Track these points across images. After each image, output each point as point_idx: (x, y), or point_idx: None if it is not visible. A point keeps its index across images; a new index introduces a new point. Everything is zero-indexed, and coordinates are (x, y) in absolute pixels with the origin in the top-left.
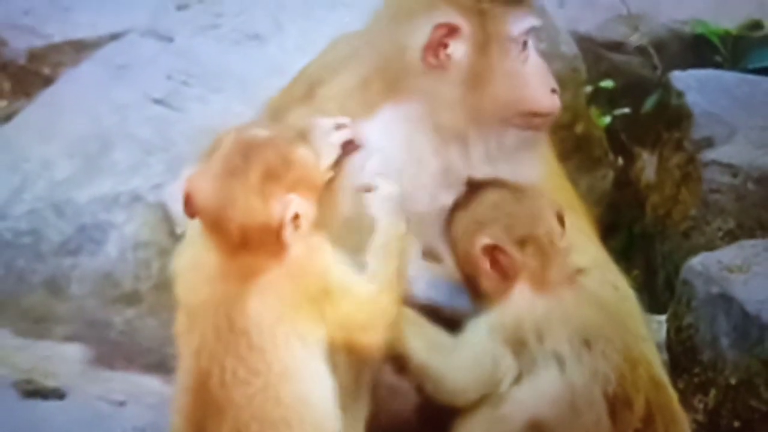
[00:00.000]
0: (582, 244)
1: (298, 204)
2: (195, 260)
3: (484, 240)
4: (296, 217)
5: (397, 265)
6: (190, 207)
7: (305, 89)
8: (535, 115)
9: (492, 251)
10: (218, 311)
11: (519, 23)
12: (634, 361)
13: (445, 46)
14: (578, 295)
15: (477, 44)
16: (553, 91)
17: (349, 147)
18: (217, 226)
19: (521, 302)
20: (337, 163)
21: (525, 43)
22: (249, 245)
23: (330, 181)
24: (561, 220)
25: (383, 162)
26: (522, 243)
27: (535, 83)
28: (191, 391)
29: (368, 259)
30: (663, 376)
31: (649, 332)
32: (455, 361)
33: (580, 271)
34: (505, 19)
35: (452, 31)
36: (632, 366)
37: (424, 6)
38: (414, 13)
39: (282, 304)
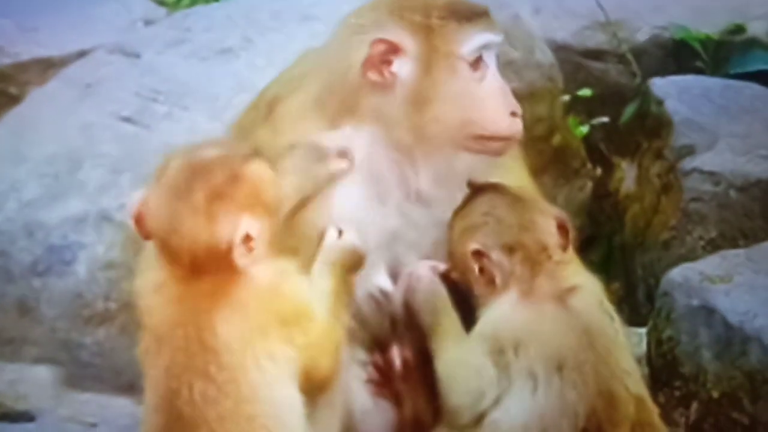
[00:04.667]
0: (579, 263)
1: (249, 224)
2: (156, 281)
3: (473, 245)
4: (248, 238)
5: (337, 294)
6: (143, 229)
7: (266, 108)
8: (491, 138)
9: (480, 257)
10: (187, 330)
11: (470, 41)
12: (611, 396)
13: (389, 63)
14: (563, 313)
15: (422, 62)
16: (513, 114)
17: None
18: (167, 251)
19: (505, 307)
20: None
21: (479, 62)
22: (200, 269)
23: (302, 209)
24: (564, 230)
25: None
26: (510, 249)
27: (490, 105)
28: (161, 411)
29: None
30: (643, 392)
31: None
32: (458, 380)
33: (573, 288)
34: (454, 37)
35: (393, 48)
36: (608, 402)
37: (372, 23)
38: (363, 31)
39: (251, 326)
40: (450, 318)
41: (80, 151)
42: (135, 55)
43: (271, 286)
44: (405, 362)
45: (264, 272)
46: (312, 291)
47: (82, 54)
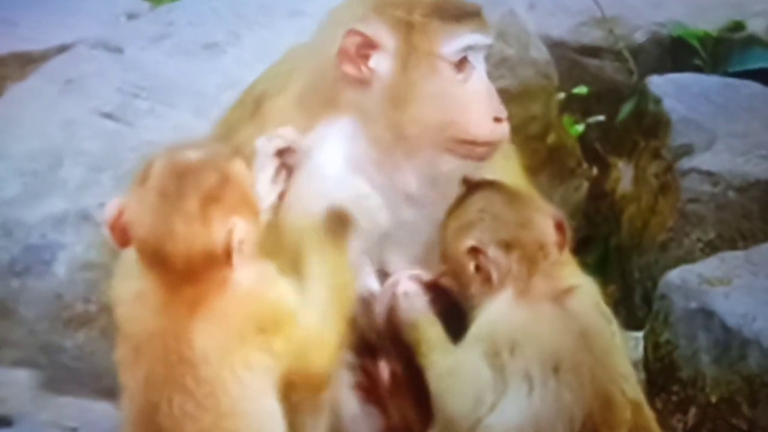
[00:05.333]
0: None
1: (242, 228)
2: (137, 289)
3: (469, 242)
4: (240, 241)
5: (335, 289)
6: (124, 236)
7: (253, 105)
8: (473, 143)
9: (476, 254)
10: (166, 342)
11: (454, 41)
12: (607, 399)
13: (366, 57)
14: (560, 314)
15: (401, 59)
16: (497, 119)
17: (286, 155)
18: (157, 260)
19: (501, 307)
20: (279, 175)
21: (464, 63)
22: (194, 276)
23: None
24: (561, 229)
25: (329, 177)
26: (507, 247)
27: (473, 108)
28: (139, 425)
29: (306, 284)
30: (640, 397)
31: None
32: (455, 390)
33: (570, 289)
34: (436, 36)
35: (369, 42)
36: (605, 404)
37: (356, 18)
38: (347, 25)
39: (228, 333)
40: (434, 331)
41: (61, 148)
42: (117, 50)
43: (252, 291)
44: (393, 374)
45: (246, 277)
46: (299, 294)
47: (63, 49)
